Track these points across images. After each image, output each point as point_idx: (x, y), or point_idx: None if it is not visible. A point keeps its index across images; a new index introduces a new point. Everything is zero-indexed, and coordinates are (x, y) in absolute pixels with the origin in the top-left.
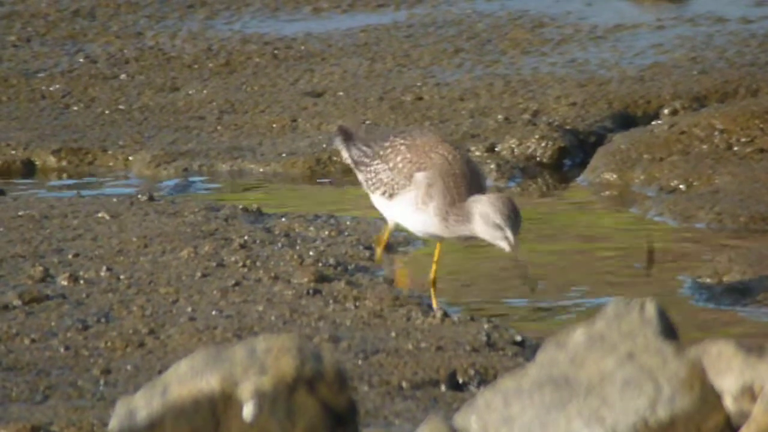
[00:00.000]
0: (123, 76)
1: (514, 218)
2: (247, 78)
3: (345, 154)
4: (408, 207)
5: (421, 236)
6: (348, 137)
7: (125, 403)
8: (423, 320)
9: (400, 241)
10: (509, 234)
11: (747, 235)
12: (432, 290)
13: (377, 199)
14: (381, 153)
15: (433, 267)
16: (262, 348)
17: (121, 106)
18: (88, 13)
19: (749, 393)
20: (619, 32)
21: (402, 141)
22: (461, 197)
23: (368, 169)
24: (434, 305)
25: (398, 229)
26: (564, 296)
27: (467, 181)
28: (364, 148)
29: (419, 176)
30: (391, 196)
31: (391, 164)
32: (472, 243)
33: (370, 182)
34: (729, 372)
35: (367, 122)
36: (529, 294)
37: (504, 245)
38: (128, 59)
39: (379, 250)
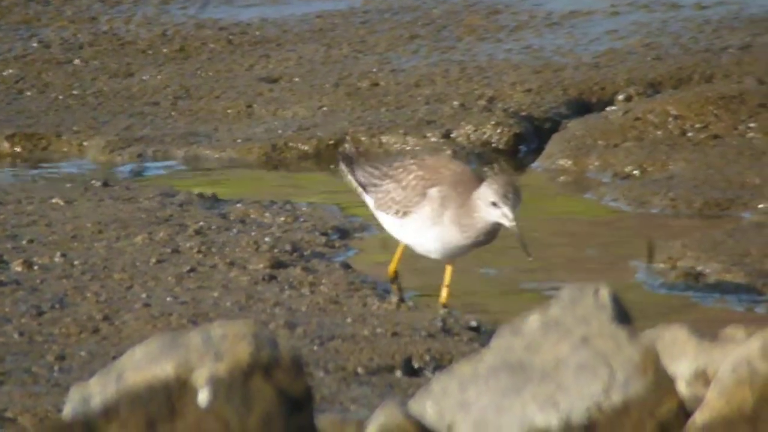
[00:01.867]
0: (77, 62)
1: (509, 195)
2: (202, 63)
3: (350, 178)
4: (424, 223)
5: (435, 257)
6: (351, 161)
7: (80, 390)
8: (379, 306)
9: (356, 227)
10: (506, 210)
11: (701, 221)
12: (441, 308)
13: (389, 220)
14: (391, 173)
15: (445, 291)
16: (217, 334)
17: (75, 92)
18: None
19: (702, 378)
20: (574, 18)
21: (412, 161)
22: (470, 197)
23: (378, 189)
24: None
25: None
26: (519, 282)
27: (475, 184)
28: (371, 170)
29: (433, 191)
30: (405, 214)
31: (403, 183)
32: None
33: (380, 202)
34: (682, 357)
35: (323, 108)
36: (527, 260)
37: (504, 222)
38: (82, 44)
39: (392, 267)
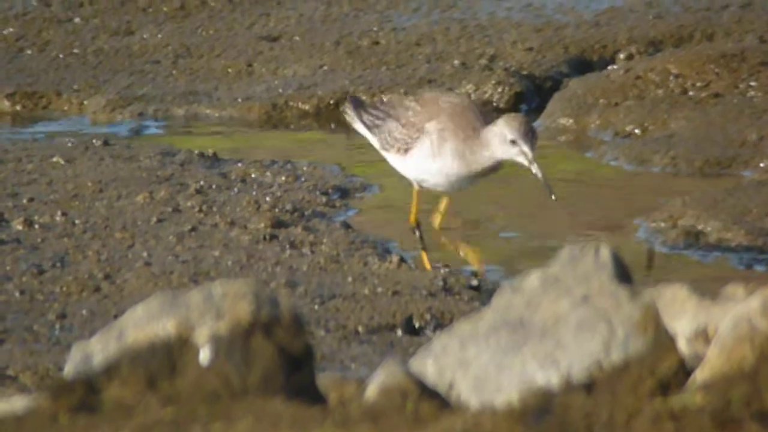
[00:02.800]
0: (77, 20)
1: (529, 134)
2: (202, 22)
3: (357, 123)
4: (425, 158)
5: (442, 189)
6: (358, 105)
7: (81, 348)
8: (380, 265)
9: (357, 186)
10: (526, 149)
11: (701, 179)
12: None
13: (393, 158)
14: (392, 112)
15: (439, 218)
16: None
17: (75, 50)
18: None
19: (703, 336)
20: None
21: (411, 98)
22: (475, 132)
23: (381, 129)
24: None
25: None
26: (520, 240)
27: (478, 117)
28: (375, 112)
29: (430, 125)
30: (406, 151)
31: (402, 120)
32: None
33: (384, 142)
34: (683, 315)
35: (324, 67)
36: (552, 201)
37: (522, 160)
38: (82, 2)
39: (412, 218)
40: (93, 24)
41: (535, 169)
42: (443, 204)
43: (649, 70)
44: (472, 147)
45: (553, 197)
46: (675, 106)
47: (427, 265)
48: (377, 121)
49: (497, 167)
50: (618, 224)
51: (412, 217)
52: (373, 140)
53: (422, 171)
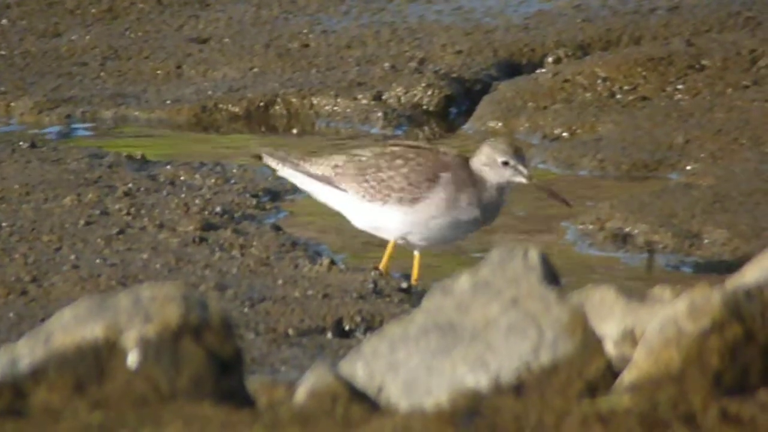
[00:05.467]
0: (4, 21)
1: (517, 151)
2: (130, 24)
3: (297, 173)
4: (438, 208)
5: (433, 243)
6: (285, 158)
7: (8, 351)
8: (310, 268)
9: (287, 189)
10: (520, 167)
11: (629, 182)
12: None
13: (389, 209)
14: (373, 162)
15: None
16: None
17: (2, 52)
18: None
19: (630, 338)
20: None
21: (394, 148)
22: (469, 174)
23: (365, 179)
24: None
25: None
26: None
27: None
28: (330, 162)
29: (445, 176)
30: (413, 200)
31: (404, 169)
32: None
33: (373, 191)
34: (610, 317)
35: (254, 70)
36: (567, 208)
37: (521, 179)
38: (9, 4)
39: (384, 264)
40: (20, 26)
41: (535, 182)
42: (416, 260)
43: (577, 74)
44: (477, 188)
45: (569, 204)
46: (603, 109)
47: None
48: (344, 171)
49: (501, 203)
50: (546, 227)
51: (384, 264)
52: (336, 193)
53: (428, 221)
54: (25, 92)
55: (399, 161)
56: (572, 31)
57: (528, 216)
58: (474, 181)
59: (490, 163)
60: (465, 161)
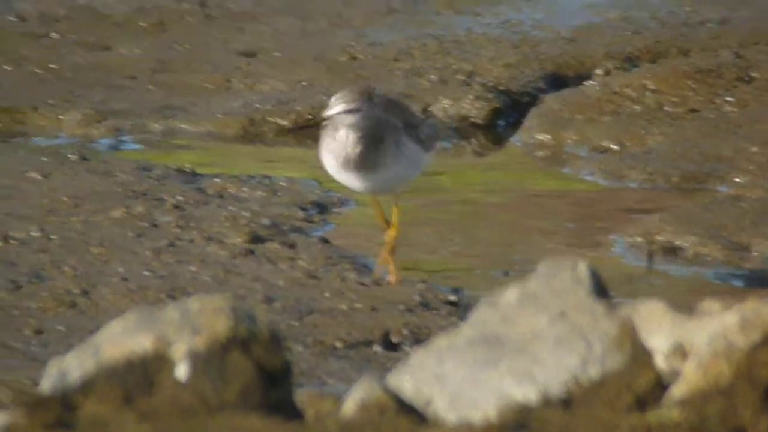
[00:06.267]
0: (54, 35)
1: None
2: (179, 37)
3: (411, 142)
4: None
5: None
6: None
7: (57, 364)
8: (357, 280)
9: (334, 201)
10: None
11: (678, 195)
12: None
13: (427, 157)
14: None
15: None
16: (195, 308)
17: (52, 65)
18: None
19: (680, 351)
20: None
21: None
22: None
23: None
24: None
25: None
26: (498, 256)
27: None
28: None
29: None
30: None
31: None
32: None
33: (427, 140)
34: (659, 331)
35: (302, 82)
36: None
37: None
38: (59, 18)
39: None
40: (70, 39)
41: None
42: (395, 211)
43: (625, 86)
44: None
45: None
46: (651, 121)
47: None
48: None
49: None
50: (595, 240)
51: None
52: (412, 147)
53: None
54: (74, 105)
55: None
56: (621, 43)
57: (576, 228)
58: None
59: None
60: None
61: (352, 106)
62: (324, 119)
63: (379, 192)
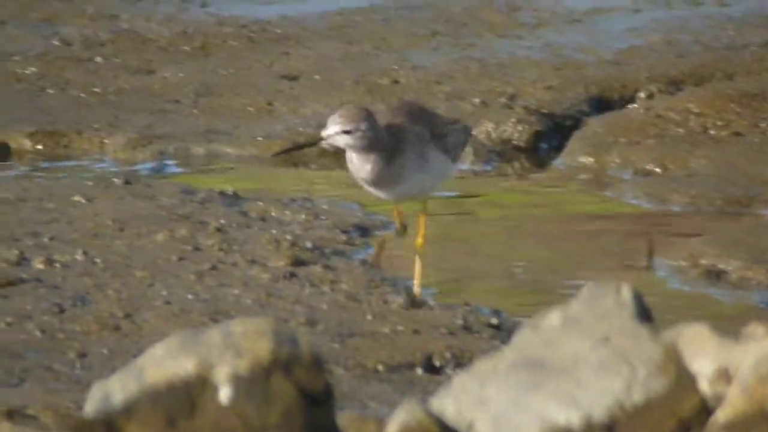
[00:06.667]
0: (98, 59)
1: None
2: (222, 61)
3: (437, 150)
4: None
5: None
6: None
7: (101, 387)
8: (399, 303)
9: (376, 224)
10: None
11: (722, 218)
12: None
13: (449, 166)
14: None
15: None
16: (238, 331)
17: (96, 89)
18: None
19: (724, 376)
20: (595, 15)
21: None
22: None
23: (449, 140)
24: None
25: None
26: (540, 279)
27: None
28: (443, 127)
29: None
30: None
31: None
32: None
33: (451, 150)
34: (704, 355)
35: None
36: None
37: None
38: (103, 42)
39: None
40: (113, 63)
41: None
42: (422, 221)
43: (669, 109)
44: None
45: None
46: (695, 144)
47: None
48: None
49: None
50: (638, 263)
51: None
52: (439, 157)
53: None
54: (118, 129)
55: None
56: (664, 66)
57: (620, 251)
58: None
59: None
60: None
61: (347, 126)
62: (318, 140)
63: (406, 200)
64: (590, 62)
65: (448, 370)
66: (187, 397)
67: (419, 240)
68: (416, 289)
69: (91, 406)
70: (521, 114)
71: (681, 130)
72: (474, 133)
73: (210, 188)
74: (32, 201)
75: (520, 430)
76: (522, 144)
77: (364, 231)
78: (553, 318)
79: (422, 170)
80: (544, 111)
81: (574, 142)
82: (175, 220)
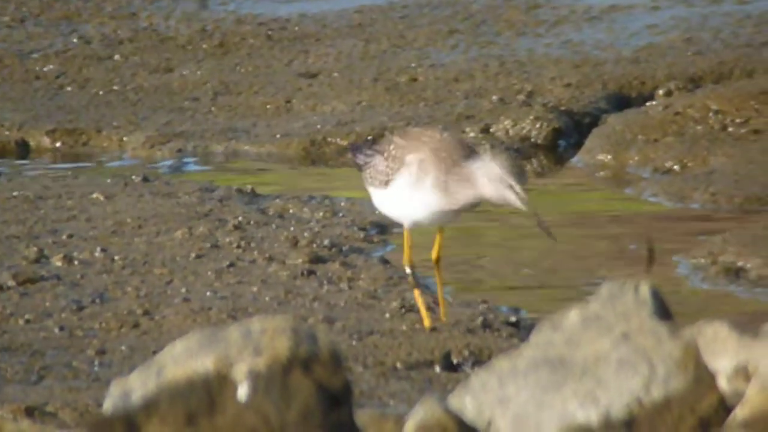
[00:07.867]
0: (117, 57)
1: (519, 171)
2: (241, 59)
3: (357, 165)
4: (404, 189)
5: (425, 223)
6: (356, 148)
7: (120, 384)
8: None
9: (394, 222)
10: (518, 188)
11: (742, 216)
12: (436, 272)
13: (376, 194)
14: (378, 149)
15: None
16: (256, 329)
17: (115, 87)
18: None
19: (743, 373)
20: (614, 13)
21: (397, 134)
22: (458, 164)
23: (368, 166)
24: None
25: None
26: (559, 277)
27: (461, 150)
28: (368, 151)
29: (410, 157)
30: (386, 183)
31: (385, 154)
32: (469, 215)
33: (369, 178)
34: (723, 353)
35: (362, 103)
36: (551, 242)
37: (514, 199)
38: (122, 40)
39: (405, 259)
40: (133, 61)
41: (529, 209)
42: (437, 238)
43: (688, 107)
44: (456, 180)
45: (551, 238)
46: (715, 142)
47: (425, 319)
48: (368, 159)
49: (479, 203)
50: (657, 261)
51: (406, 258)
52: (365, 178)
53: (403, 204)
54: (137, 127)
55: (387, 146)
56: (683, 63)
57: (638, 249)
58: (450, 167)
59: (489, 175)
60: (450, 144)
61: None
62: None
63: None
64: (609, 59)
65: (467, 368)
66: (206, 394)
67: (434, 254)
68: (441, 308)
69: (110, 404)
70: (540, 111)
71: (700, 128)
72: (492, 130)
73: (228, 186)
74: (51, 199)
75: (540, 428)
76: (540, 141)
77: (382, 229)
78: (573, 316)
79: None
80: (563, 108)
81: (592, 140)
82: (194, 217)
